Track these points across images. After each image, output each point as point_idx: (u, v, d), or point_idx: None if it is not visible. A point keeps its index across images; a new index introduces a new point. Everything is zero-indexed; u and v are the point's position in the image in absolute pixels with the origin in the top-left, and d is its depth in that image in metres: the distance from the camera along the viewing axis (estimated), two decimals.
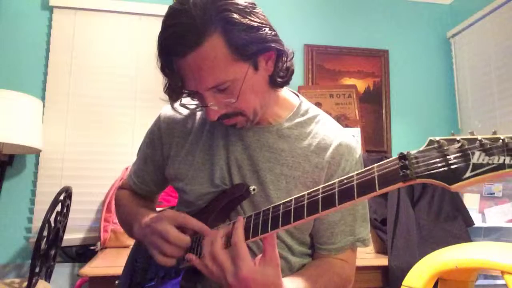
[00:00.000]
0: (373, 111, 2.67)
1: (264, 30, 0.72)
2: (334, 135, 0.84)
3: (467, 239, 1.83)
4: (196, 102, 0.85)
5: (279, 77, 0.79)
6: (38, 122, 2.08)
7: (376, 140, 2.63)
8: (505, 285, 0.96)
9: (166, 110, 0.94)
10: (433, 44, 2.85)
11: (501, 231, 2.06)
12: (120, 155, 2.29)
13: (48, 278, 1.91)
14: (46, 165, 2.22)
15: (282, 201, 0.65)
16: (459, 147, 0.47)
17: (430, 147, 0.50)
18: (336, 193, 0.57)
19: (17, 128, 1.95)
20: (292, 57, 0.80)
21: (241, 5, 0.70)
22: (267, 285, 0.65)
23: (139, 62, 2.43)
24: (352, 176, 0.57)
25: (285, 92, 0.89)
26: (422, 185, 2.01)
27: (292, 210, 0.63)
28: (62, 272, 2.13)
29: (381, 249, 1.79)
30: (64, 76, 2.32)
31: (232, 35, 0.68)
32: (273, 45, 0.73)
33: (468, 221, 1.92)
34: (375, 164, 0.55)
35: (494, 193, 2.04)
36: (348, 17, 2.76)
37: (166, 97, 0.80)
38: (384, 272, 1.66)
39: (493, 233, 2.03)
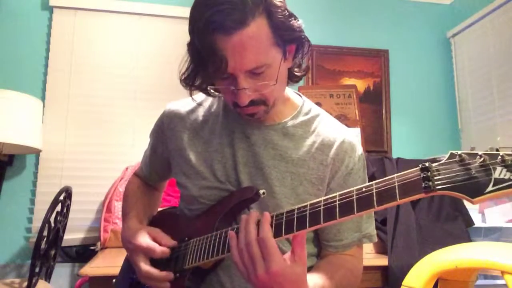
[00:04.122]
0: (373, 111, 2.67)
1: (297, 20, 0.75)
2: (337, 133, 0.86)
3: (467, 239, 1.83)
4: (201, 98, 0.90)
5: (296, 72, 0.83)
6: (38, 122, 2.08)
7: (376, 140, 2.63)
8: (505, 285, 0.96)
9: (171, 105, 0.96)
10: (433, 44, 2.85)
11: (501, 231, 2.06)
12: (120, 155, 2.29)
13: (48, 278, 1.91)
14: (46, 165, 2.22)
15: (303, 204, 0.66)
16: (481, 162, 0.49)
17: (452, 160, 0.51)
18: (355, 200, 0.58)
19: (17, 128, 1.95)
20: (307, 53, 0.82)
21: None
22: (296, 282, 0.65)
23: (139, 62, 2.42)
24: (371, 185, 0.58)
25: (289, 92, 0.91)
26: None
27: (308, 215, 0.64)
28: (62, 272, 2.13)
29: (381, 249, 1.79)
30: (64, 76, 2.32)
31: (275, 18, 0.71)
32: (303, 36, 0.77)
33: (468, 221, 1.92)
34: (396, 174, 0.56)
35: None
36: (348, 17, 2.76)
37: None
38: (384, 272, 1.66)
39: (493, 233, 2.03)
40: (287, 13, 0.73)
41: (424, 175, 0.52)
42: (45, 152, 2.20)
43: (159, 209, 1.07)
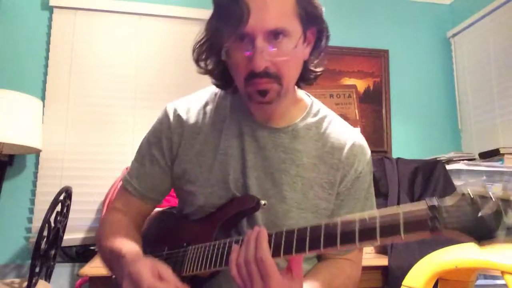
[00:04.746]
0: (373, 111, 2.67)
1: (321, 6, 0.74)
2: (347, 135, 0.84)
3: None
4: (206, 98, 0.86)
5: (312, 67, 0.81)
6: (38, 122, 2.08)
7: (376, 140, 2.63)
8: (505, 285, 0.96)
9: (173, 106, 0.88)
10: (433, 44, 2.85)
11: None
12: (120, 155, 2.29)
13: (48, 278, 1.91)
14: (46, 165, 2.22)
15: (308, 226, 0.64)
16: (492, 205, 0.47)
17: (462, 200, 0.50)
18: (357, 231, 0.57)
19: (17, 128, 1.95)
20: (325, 48, 0.80)
21: None
22: None
23: (139, 62, 2.42)
24: (375, 218, 0.56)
25: (299, 91, 0.88)
26: (422, 185, 2.01)
27: (308, 240, 0.62)
28: (62, 272, 2.13)
29: (381, 249, 1.78)
30: (64, 76, 2.32)
31: None
32: (324, 22, 0.76)
33: None
34: (401, 209, 0.54)
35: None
36: (348, 17, 2.76)
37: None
38: (384, 272, 1.66)
39: None
40: None
41: (432, 215, 0.50)
42: (45, 152, 2.20)
43: (158, 209, 1.02)
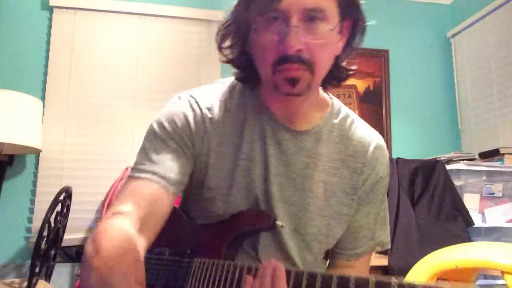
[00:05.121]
0: (373, 111, 2.67)
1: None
2: (370, 138, 0.81)
3: (467, 239, 1.83)
4: (224, 95, 0.78)
5: (343, 64, 0.75)
6: (38, 122, 2.08)
7: None
8: (505, 285, 0.96)
9: (194, 99, 0.77)
10: (433, 44, 2.85)
11: (501, 231, 2.06)
12: (120, 155, 2.29)
13: (48, 278, 1.91)
14: (46, 165, 2.22)
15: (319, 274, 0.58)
16: None
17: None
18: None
19: (17, 128, 1.95)
20: (359, 44, 0.75)
21: None
22: None
23: (139, 62, 2.42)
24: None
25: (320, 90, 0.82)
26: (422, 185, 2.01)
27: None
28: (62, 272, 2.13)
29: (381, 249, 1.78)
30: (64, 76, 2.32)
31: None
32: (362, 14, 0.71)
33: (468, 221, 1.92)
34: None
35: (494, 193, 2.04)
36: None
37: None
38: (384, 272, 1.66)
39: (493, 233, 2.03)
40: None
41: None
42: (45, 152, 2.20)
43: None
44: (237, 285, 0.63)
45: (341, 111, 0.82)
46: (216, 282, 0.66)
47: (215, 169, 0.75)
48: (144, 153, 0.73)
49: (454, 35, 2.80)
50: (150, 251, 0.82)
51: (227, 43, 0.72)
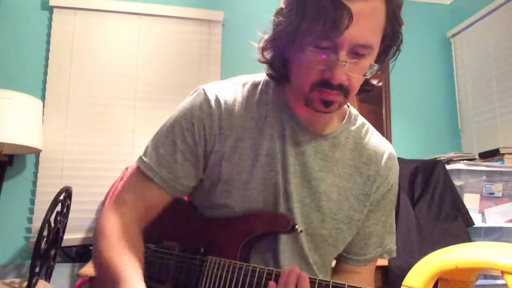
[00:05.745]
0: (373, 111, 2.67)
1: (403, 22, 0.69)
2: (384, 148, 0.84)
3: (467, 239, 1.83)
4: (243, 92, 0.78)
5: (370, 82, 0.77)
6: (38, 122, 2.08)
7: None
8: (505, 285, 0.95)
9: (214, 92, 0.77)
10: (433, 44, 2.85)
11: (501, 231, 2.06)
12: (120, 155, 2.29)
13: (48, 278, 1.91)
14: (46, 165, 2.22)
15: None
16: None
17: None
18: None
19: (17, 128, 1.95)
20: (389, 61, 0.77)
21: None
22: None
23: (139, 62, 2.42)
24: None
25: None
26: (422, 185, 2.01)
27: None
28: (62, 272, 2.13)
29: None
30: (64, 76, 2.32)
31: (391, 6, 0.65)
32: (399, 41, 0.72)
33: (468, 221, 1.91)
34: None
35: (494, 193, 2.04)
36: None
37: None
38: (384, 272, 1.66)
39: (493, 233, 2.03)
40: (400, 8, 0.67)
41: None
42: (45, 152, 2.20)
43: None
44: None
45: (358, 119, 0.85)
46: (233, 283, 0.67)
47: (234, 163, 0.75)
48: (157, 151, 0.76)
49: (454, 35, 2.80)
50: (158, 244, 0.81)
51: (270, 46, 0.73)
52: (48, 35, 2.36)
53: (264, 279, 0.65)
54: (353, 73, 0.65)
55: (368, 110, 2.65)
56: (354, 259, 0.85)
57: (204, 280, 0.73)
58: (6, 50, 2.30)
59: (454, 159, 2.16)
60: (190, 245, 0.78)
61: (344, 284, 0.59)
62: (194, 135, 0.75)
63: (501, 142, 2.35)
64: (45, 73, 2.32)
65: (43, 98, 2.26)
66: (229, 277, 0.69)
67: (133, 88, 2.40)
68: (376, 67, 0.68)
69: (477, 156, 2.28)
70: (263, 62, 0.75)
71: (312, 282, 0.60)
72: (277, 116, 0.77)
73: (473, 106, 2.63)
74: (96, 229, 0.74)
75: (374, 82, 0.78)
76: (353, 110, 0.86)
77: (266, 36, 0.72)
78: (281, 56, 0.72)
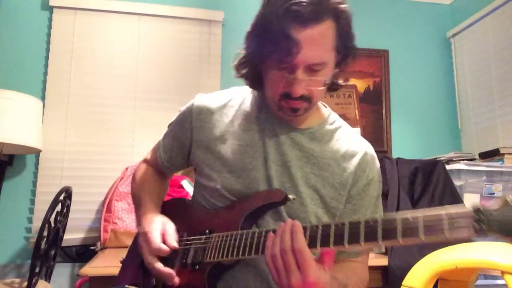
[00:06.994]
0: (373, 111, 2.67)
1: (355, 34, 0.82)
2: (360, 145, 0.92)
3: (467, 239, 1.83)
4: (230, 95, 0.95)
5: (337, 80, 0.88)
6: (38, 122, 2.08)
7: (376, 140, 2.63)
8: (505, 285, 0.96)
9: (201, 98, 0.96)
10: (433, 44, 2.85)
11: None
12: (120, 155, 2.29)
13: (48, 278, 1.91)
14: (46, 165, 2.22)
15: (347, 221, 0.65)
16: None
17: (506, 206, 0.53)
18: (400, 229, 0.58)
19: (17, 128, 1.95)
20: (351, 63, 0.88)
21: (348, 5, 0.80)
22: None
23: (139, 62, 2.42)
24: (417, 218, 0.58)
25: (319, 103, 0.95)
26: (422, 185, 2.01)
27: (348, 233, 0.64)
28: (62, 272, 2.13)
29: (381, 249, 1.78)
30: (64, 76, 2.32)
31: (342, 25, 0.78)
32: (355, 48, 0.83)
33: None
34: (444, 210, 0.57)
35: (494, 193, 2.04)
36: None
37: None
38: (384, 272, 1.66)
39: None
40: (351, 25, 0.80)
41: (478, 217, 0.53)
42: (45, 152, 2.20)
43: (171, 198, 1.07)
44: (256, 247, 0.72)
45: (336, 122, 0.95)
46: (236, 248, 0.75)
47: (216, 150, 0.89)
48: (165, 138, 1.02)
49: (454, 35, 2.80)
50: None
51: (242, 67, 0.89)
52: (48, 35, 2.36)
53: (263, 238, 0.72)
54: (310, 86, 0.78)
55: (368, 110, 2.65)
56: (345, 252, 0.87)
57: (209, 252, 0.79)
58: (6, 50, 2.30)
59: (454, 159, 2.16)
60: (197, 232, 0.86)
61: (330, 223, 0.66)
62: (182, 130, 0.95)
63: (501, 142, 2.35)
64: (45, 73, 2.32)
65: (43, 98, 2.27)
66: (232, 244, 0.76)
67: (133, 88, 2.40)
68: (329, 80, 0.81)
69: (477, 156, 2.28)
70: (238, 77, 0.90)
71: (304, 228, 0.68)
72: (259, 114, 0.91)
73: (473, 106, 2.63)
74: (133, 175, 1.06)
75: (340, 81, 0.90)
76: (333, 116, 0.96)
77: (240, 55, 0.87)
78: (253, 72, 0.86)
